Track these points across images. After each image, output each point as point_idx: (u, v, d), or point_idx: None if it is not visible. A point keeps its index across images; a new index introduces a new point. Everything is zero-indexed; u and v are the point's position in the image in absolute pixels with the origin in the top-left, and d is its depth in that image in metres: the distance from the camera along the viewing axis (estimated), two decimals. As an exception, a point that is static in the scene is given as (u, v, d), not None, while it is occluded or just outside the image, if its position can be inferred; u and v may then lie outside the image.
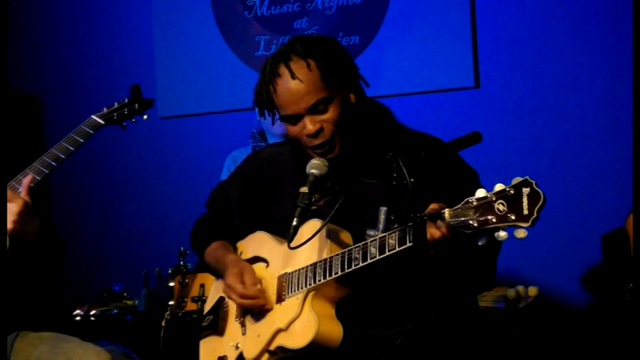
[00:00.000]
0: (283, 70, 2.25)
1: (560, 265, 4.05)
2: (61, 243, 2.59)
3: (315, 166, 2.26)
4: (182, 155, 4.95)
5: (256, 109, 3.72)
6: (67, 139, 2.62)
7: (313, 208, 2.25)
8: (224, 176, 3.90)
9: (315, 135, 2.26)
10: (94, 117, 2.68)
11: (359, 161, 2.32)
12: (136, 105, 2.75)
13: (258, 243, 2.49)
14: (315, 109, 2.25)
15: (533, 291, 3.83)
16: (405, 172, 1.96)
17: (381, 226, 2.24)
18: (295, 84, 2.23)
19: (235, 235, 2.57)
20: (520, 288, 3.80)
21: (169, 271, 3.74)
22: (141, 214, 4.98)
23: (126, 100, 2.75)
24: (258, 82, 2.35)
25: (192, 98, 4.94)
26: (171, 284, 3.65)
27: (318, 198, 2.26)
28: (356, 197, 2.28)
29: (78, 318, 4.20)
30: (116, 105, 2.73)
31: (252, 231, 2.51)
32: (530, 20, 4.21)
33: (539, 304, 3.84)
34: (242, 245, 2.54)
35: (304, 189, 2.22)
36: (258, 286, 2.36)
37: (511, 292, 3.74)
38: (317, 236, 2.23)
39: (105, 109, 2.72)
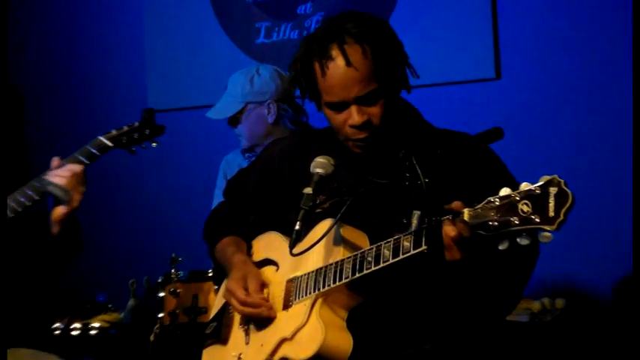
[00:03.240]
0: (337, 53, 2.24)
1: (590, 274, 4.04)
2: (80, 243, 2.74)
3: (319, 165, 2.25)
4: (174, 153, 4.95)
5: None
6: (69, 159, 2.67)
7: (318, 210, 2.25)
8: (220, 182, 3.90)
9: (361, 127, 2.26)
10: (101, 138, 2.72)
11: (372, 160, 2.33)
12: (147, 130, 2.79)
13: (270, 244, 2.49)
14: (364, 100, 2.25)
15: (560, 303, 3.82)
16: (418, 171, 1.96)
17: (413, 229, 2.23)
18: (349, 71, 2.23)
19: (251, 230, 2.57)
20: (546, 300, 3.79)
21: (159, 280, 3.74)
22: (127, 217, 4.98)
23: (136, 124, 2.79)
24: (298, 59, 2.33)
25: (186, 90, 4.95)
26: (161, 295, 3.65)
27: (323, 200, 2.26)
28: (367, 199, 2.28)
29: (57, 332, 4.20)
30: (125, 128, 2.77)
31: (268, 228, 2.52)
32: (555, 5, 4.21)
33: (566, 317, 3.83)
34: (256, 244, 2.56)
35: (308, 190, 2.22)
36: (264, 293, 2.36)
37: (536, 305, 3.73)
38: (330, 237, 2.24)
39: (114, 131, 2.76)
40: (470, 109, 4.31)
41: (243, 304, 2.35)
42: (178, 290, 3.56)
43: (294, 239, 2.19)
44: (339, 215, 2.20)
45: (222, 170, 3.97)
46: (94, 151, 2.69)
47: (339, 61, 2.24)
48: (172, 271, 3.67)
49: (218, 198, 3.85)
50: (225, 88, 3.84)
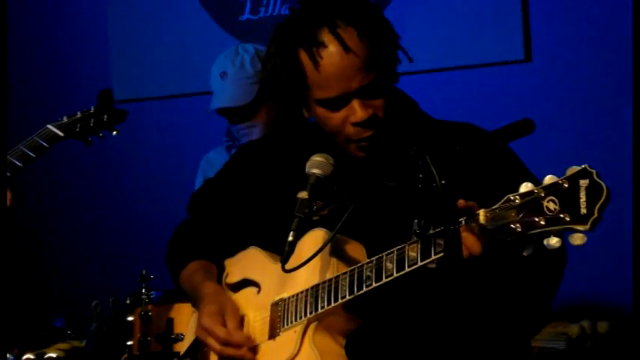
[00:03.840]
0: (329, 39, 2.23)
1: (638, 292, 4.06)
2: None
3: (316, 165, 2.26)
4: (144, 151, 4.98)
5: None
6: (15, 151, 2.65)
7: (315, 218, 2.27)
8: (198, 183, 3.92)
9: (366, 124, 2.26)
10: (50, 127, 2.70)
11: (376, 159, 2.34)
12: (105, 116, 2.76)
13: (250, 262, 2.49)
14: (367, 91, 2.25)
15: (603, 327, 3.84)
16: (434, 171, 1.97)
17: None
18: (348, 58, 2.22)
19: (224, 250, 2.58)
20: (585, 323, 3.81)
21: (127, 302, 3.76)
22: (89, 227, 5.00)
23: (92, 109, 2.77)
24: (274, 53, 2.31)
25: (157, 76, 4.97)
26: (130, 319, 3.67)
27: (321, 206, 2.27)
28: (372, 205, 2.29)
29: (7, 365, 4.21)
30: (79, 114, 2.75)
31: (244, 245, 2.52)
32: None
33: (611, 343, 3.85)
34: (230, 264, 2.56)
35: (303, 194, 2.23)
36: (244, 326, 2.37)
37: (574, 329, 3.75)
38: (323, 251, 2.23)
39: (65, 118, 2.74)
40: (496, 95, 4.34)
41: (224, 343, 2.34)
42: (150, 313, 3.57)
43: (288, 252, 2.19)
44: (340, 224, 2.20)
45: (202, 171, 3.99)
46: (42, 142, 2.67)
47: (334, 48, 2.23)
48: (143, 290, 3.68)
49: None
50: (213, 76, 3.84)
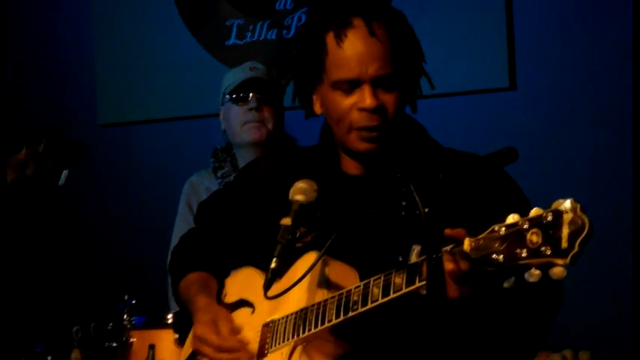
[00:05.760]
0: (359, 22, 2.28)
1: (620, 321, 4.07)
2: None
3: (300, 191, 2.26)
4: (128, 175, 4.97)
5: (220, 116, 3.74)
6: None
7: (298, 245, 2.27)
8: (181, 209, 3.92)
9: (373, 112, 2.27)
10: None
11: (367, 183, 2.35)
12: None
13: (245, 281, 2.49)
14: (380, 82, 2.27)
15: (584, 357, 3.84)
16: (417, 199, 1.98)
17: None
18: (372, 42, 2.26)
19: (226, 263, 2.59)
20: (567, 353, 3.81)
21: (109, 327, 3.74)
22: (70, 251, 4.98)
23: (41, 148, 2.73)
24: (303, 33, 2.37)
25: (143, 100, 4.97)
26: (112, 345, 3.65)
27: (304, 232, 2.28)
28: (357, 231, 2.29)
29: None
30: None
31: (245, 262, 2.53)
32: (576, 8, 4.29)
33: (593, 374, 3.86)
34: (230, 283, 2.57)
35: (286, 220, 2.23)
36: (239, 336, 2.38)
37: (556, 358, 3.75)
38: (315, 275, 2.25)
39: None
40: (481, 122, 4.35)
41: (219, 349, 2.36)
42: (132, 339, 3.56)
43: (270, 279, 2.20)
44: (323, 250, 2.21)
45: (185, 195, 3.97)
46: None
47: (360, 30, 2.27)
48: (125, 316, 3.67)
49: (180, 229, 3.86)
50: (239, 70, 3.87)
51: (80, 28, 5.10)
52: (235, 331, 2.40)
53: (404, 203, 2.06)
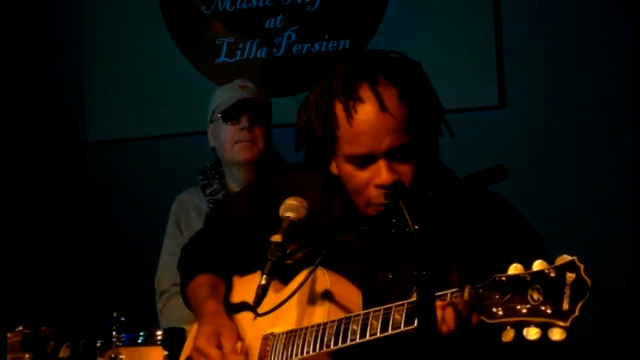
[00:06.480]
0: (368, 95, 2.19)
1: (619, 322, 4.06)
2: None
3: (290, 208, 2.27)
4: (117, 193, 4.96)
5: (209, 133, 3.73)
6: None
7: (288, 262, 2.27)
8: (170, 228, 3.90)
9: (390, 187, 2.18)
10: None
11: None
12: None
13: (252, 286, 2.41)
14: (396, 154, 2.21)
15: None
16: (407, 216, 1.98)
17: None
18: (383, 117, 2.18)
19: (233, 270, 2.58)
20: None
21: (97, 345, 3.73)
22: (61, 268, 4.96)
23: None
24: (313, 101, 2.28)
25: (131, 118, 4.97)
26: (101, 362, 3.65)
27: (294, 249, 2.28)
28: (347, 248, 2.30)
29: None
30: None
31: (252, 270, 2.51)
32: (564, 28, 4.31)
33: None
34: (238, 282, 2.56)
35: (277, 237, 2.23)
36: (238, 346, 2.36)
37: None
38: (317, 289, 2.24)
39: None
40: (470, 141, 4.35)
41: None
42: (121, 357, 3.55)
43: (260, 296, 2.20)
44: (314, 267, 2.21)
45: (174, 214, 3.96)
46: None
47: (370, 105, 2.19)
48: (114, 333, 3.67)
49: (168, 248, 3.86)
50: (229, 88, 3.85)
51: (70, 45, 5.10)
52: (238, 345, 2.39)
53: (394, 220, 2.05)
